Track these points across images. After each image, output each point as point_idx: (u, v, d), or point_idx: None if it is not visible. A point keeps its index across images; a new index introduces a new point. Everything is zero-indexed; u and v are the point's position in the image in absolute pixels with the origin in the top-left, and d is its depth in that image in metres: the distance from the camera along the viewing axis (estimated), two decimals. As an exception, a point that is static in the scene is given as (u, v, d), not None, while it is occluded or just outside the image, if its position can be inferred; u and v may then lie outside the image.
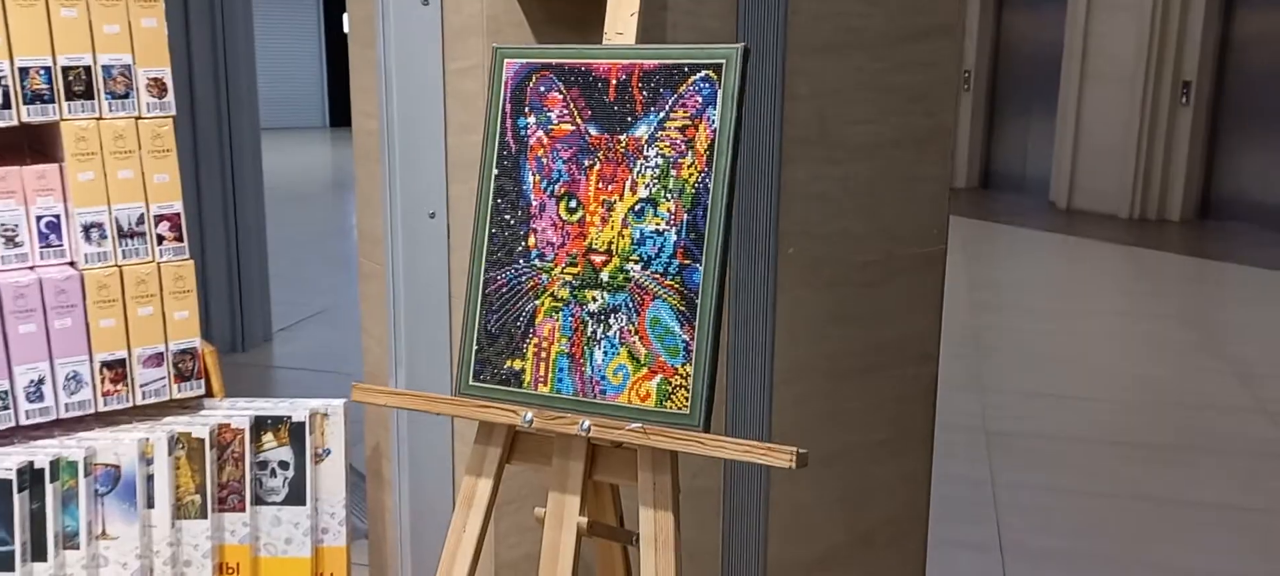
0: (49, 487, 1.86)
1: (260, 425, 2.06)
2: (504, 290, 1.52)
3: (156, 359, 2.00)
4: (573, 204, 1.49)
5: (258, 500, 2.07)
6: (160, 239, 1.99)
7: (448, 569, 1.52)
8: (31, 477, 1.85)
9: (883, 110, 2.06)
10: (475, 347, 1.53)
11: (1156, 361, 5.10)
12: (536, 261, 1.50)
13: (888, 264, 2.13)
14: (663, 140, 1.44)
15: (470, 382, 1.53)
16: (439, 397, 1.58)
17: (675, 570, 1.41)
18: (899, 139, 2.09)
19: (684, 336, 1.41)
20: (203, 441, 1.99)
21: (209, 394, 2.08)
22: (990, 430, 4.10)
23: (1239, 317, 6.06)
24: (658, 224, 1.43)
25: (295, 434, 2.08)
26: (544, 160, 1.51)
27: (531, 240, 1.51)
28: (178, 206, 2.00)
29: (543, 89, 1.52)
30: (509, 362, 1.51)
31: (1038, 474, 3.75)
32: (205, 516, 2.01)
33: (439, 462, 1.94)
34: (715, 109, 1.42)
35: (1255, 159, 7.66)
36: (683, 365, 1.41)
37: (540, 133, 1.51)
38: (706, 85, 1.42)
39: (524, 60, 1.53)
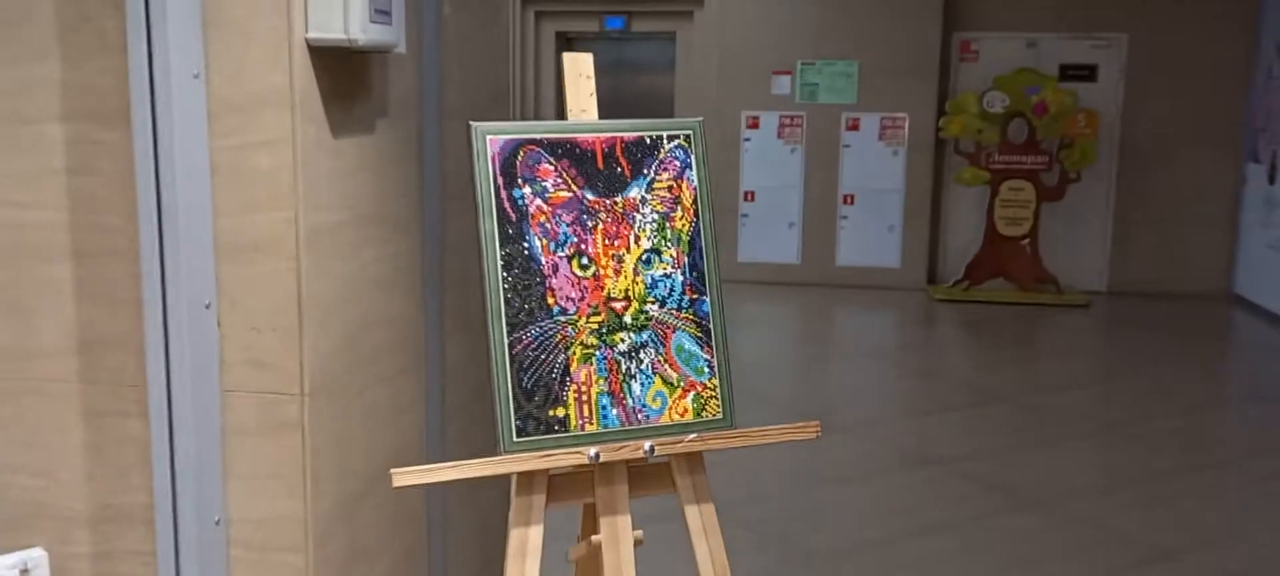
0: None
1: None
2: (532, 348, 1.63)
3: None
4: (584, 261, 1.67)
5: None
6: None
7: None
8: None
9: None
10: (513, 407, 1.61)
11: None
12: (560, 317, 1.65)
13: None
14: (655, 199, 1.71)
15: (515, 440, 1.61)
16: (489, 460, 1.61)
17: (723, 552, 1.71)
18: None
19: (705, 356, 1.72)
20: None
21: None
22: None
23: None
24: (665, 269, 1.71)
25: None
26: (547, 225, 1.66)
27: (551, 298, 1.65)
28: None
29: (532, 161, 1.66)
30: (552, 412, 1.63)
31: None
32: None
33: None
34: (692, 170, 1.74)
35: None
36: (710, 380, 1.72)
37: (538, 201, 1.66)
38: (681, 151, 1.74)
39: (507, 136, 1.65)
